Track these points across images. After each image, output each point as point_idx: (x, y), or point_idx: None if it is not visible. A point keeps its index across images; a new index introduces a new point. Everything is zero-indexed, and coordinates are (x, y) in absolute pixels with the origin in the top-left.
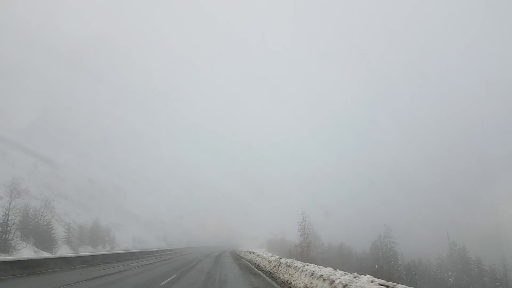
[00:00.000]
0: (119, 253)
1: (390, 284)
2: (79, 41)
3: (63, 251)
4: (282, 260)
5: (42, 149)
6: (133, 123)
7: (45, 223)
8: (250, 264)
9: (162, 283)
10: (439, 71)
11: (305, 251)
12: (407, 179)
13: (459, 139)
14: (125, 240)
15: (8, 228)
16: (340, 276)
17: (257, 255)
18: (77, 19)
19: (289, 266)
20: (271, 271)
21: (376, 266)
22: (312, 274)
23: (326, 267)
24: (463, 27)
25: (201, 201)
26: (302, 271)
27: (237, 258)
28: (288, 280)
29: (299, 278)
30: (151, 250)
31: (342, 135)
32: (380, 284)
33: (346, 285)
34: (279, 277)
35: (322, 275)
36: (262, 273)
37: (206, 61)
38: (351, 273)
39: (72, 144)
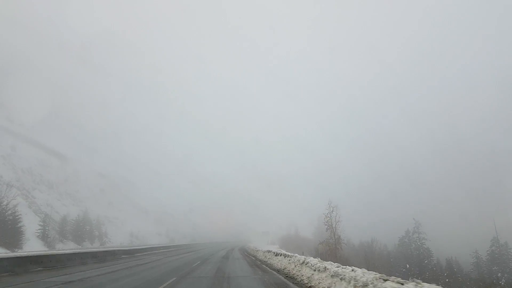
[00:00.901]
0: (84, 252)
1: None
2: (90, 37)
3: (32, 247)
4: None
5: (53, 143)
6: (143, 118)
7: (10, 213)
8: None
9: None
10: (451, 65)
11: (333, 249)
12: (416, 173)
13: (471, 133)
14: (121, 235)
15: None
16: None
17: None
18: (87, 14)
19: None
20: None
21: (408, 265)
22: None
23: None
24: (476, 23)
25: (210, 195)
26: None
27: (254, 263)
28: None
29: None
30: (141, 247)
31: (351, 130)
32: None
33: None
34: None
35: None
36: None
37: (215, 57)
38: None
39: (83, 138)
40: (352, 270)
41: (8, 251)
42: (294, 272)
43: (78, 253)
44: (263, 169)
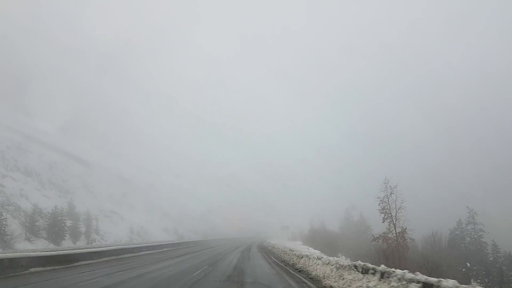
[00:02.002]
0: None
1: None
2: (109, 46)
3: None
4: None
5: (76, 150)
6: (161, 123)
7: None
8: None
9: None
10: (470, 61)
11: (394, 247)
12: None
13: (492, 132)
14: (119, 231)
15: None
16: None
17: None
18: (106, 24)
19: None
20: None
21: (468, 264)
22: None
23: None
24: (496, 14)
25: (227, 196)
26: None
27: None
28: None
29: None
30: (130, 246)
31: (368, 128)
32: None
33: None
34: None
35: None
36: None
37: (229, 60)
38: None
39: (104, 144)
40: None
41: None
42: None
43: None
44: (279, 169)
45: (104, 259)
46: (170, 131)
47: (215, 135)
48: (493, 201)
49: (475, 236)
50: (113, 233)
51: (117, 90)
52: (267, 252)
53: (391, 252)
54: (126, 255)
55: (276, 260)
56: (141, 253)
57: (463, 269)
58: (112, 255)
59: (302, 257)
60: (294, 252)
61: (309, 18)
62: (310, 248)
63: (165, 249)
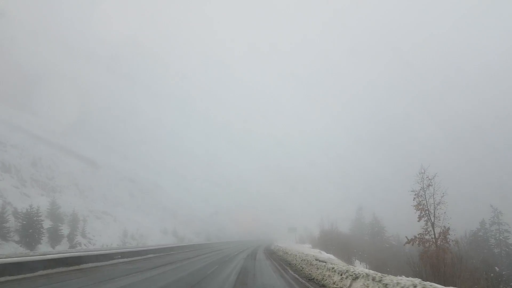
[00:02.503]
0: None
1: None
2: (117, 47)
3: None
4: None
5: (84, 151)
6: (169, 123)
7: None
8: None
9: None
10: (479, 64)
11: (433, 252)
12: (442, 171)
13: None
14: (111, 234)
15: None
16: None
17: None
18: (114, 25)
19: None
20: None
21: (497, 268)
22: None
23: None
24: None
25: (235, 197)
26: None
27: None
28: None
29: None
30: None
31: (375, 130)
32: None
33: None
34: None
35: None
36: None
37: (238, 61)
38: None
39: (113, 145)
40: None
41: None
42: None
43: None
44: (287, 171)
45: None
46: (178, 132)
47: (223, 136)
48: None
49: (501, 237)
50: (104, 236)
51: (125, 90)
52: (279, 260)
53: (430, 257)
54: (86, 265)
55: (298, 277)
56: (110, 261)
57: (491, 274)
58: (58, 265)
59: (357, 277)
60: (328, 266)
61: (319, 22)
62: (322, 252)
63: (151, 255)
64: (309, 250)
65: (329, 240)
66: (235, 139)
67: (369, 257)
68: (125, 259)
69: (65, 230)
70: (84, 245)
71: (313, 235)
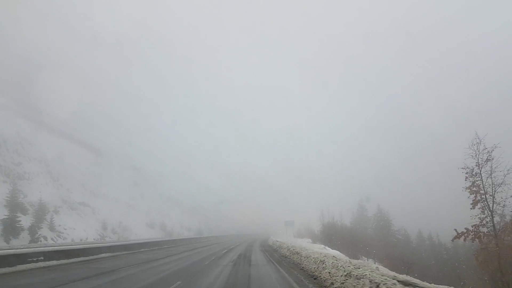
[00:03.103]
0: None
1: None
2: (122, 31)
3: None
4: None
5: (87, 137)
6: (174, 110)
7: None
8: None
9: None
10: (491, 51)
11: (493, 249)
12: (452, 164)
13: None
14: (88, 228)
15: None
16: None
17: None
18: (119, 9)
19: None
20: None
21: None
22: None
23: None
24: None
25: (240, 188)
26: None
27: None
28: None
29: None
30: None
31: (384, 118)
32: None
33: None
34: None
35: None
36: None
37: (246, 48)
38: None
39: (117, 132)
40: None
41: None
42: None
43: None
44: (294, 161)
45: None
46: (184, 119)
47: (229, 124)
48: None
49: None
50: (78, 230)
51: (130, 75)
52: (288, 265)
53: (489, 255)
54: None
55: None
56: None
57: None
58: None
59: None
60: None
61: (327, 7)
62: (327, 247)
63: (105, 254)
64: (312, 246)
65: (333, 234)
66: (242, 128)
67: (379, 254)
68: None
69: (27, 221)
70: (52, 239)
71: (312, 229)
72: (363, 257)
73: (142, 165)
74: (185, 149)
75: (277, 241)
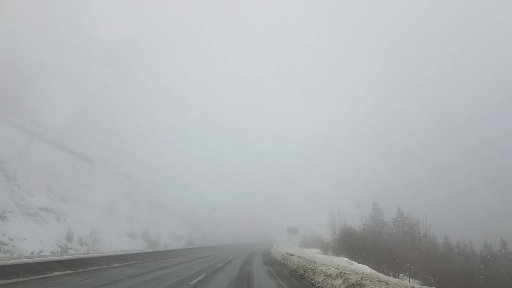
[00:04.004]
0: None
1: None
2: (114, 42)
3: None
4: None
5: (79, 147)
6: (166, 119)
7: None
8: None
9: None
10: (477, 58)
11: None
12: (440, 167)
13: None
14: (47, 237)
15: None
16: None
17: None
18: (111, 21)
19: None
20: None
21: None
22: None
23: None
24: (501, 12)
25: (232, 195)
26: None
27: None
28: None
29: None
30: None
31: (372, 126)
32: None
33: None
34: None
35: None
36: None
37: (235, 57)
38: None
39: (109, 141)
40: None
41: None
42: None
43: None
44: (284, 167)
45: None
46: (174, 128)
47: (219, 132)
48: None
49: None
50: (33, 240)
51: (121, 86)
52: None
53: None
54: None
55: None
56: None
57: None
58: None
59: None
60: None
61: (315, 18)
62: (352, 262)
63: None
64: (330, 259)
65: (354, 244)
66: (232, 135)
67: (424, 270)
68: None
69: None
70: None
71: (320, 238)
72: (404, 276)
73: (133, 172)
74: (177, 157)
75: (285, 252)
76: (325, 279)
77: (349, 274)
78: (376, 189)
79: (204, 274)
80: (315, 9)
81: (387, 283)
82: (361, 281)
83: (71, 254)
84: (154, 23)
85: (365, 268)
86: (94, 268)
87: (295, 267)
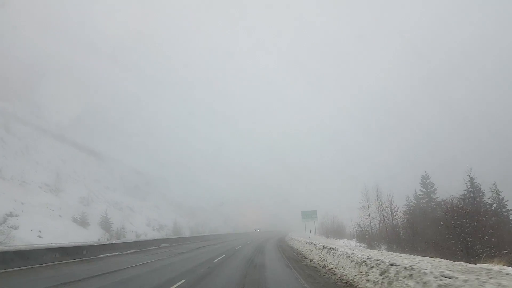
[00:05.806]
0: None
1: None
2: (121, 38)
3: None
4: None
5: (89, 142)
6: (174, 114)
7: None
8: None
9: None
10: (487, 51)
11: None
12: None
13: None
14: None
15: None
16: None
17: None
18: (118, 17)
19: None
20: None
21: None
22: None
23: None
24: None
25: (240, 189)
26: None
27: None
28: None
29: None
30: None
31: (382, 118)
32: None
33: None
34: None
35: None
36: None
37: (244, 52)
38: None
39: (117, 136)
40: None
41: None
42: None
43: None
44: (292, 162)
45: None
46: (183, 123)
47: (229, 127)
48: None
49: None
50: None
51: (129, 82)
52: None
53: None
54: None
55: None
56: None
57: None
58: None
59: None
60: None
61: (324, 10)
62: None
63: None
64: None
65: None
66: (240, 130)
67: None
68: None
69: None
70: None
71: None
72: None
73: (143, 168)
74: (186, 153)
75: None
76: None
77: None
78: (382, 181)
79: None
80: (323, 2)
81: None
82: None
83: None
84: (160, 18)
85: None
86: None
87: None
